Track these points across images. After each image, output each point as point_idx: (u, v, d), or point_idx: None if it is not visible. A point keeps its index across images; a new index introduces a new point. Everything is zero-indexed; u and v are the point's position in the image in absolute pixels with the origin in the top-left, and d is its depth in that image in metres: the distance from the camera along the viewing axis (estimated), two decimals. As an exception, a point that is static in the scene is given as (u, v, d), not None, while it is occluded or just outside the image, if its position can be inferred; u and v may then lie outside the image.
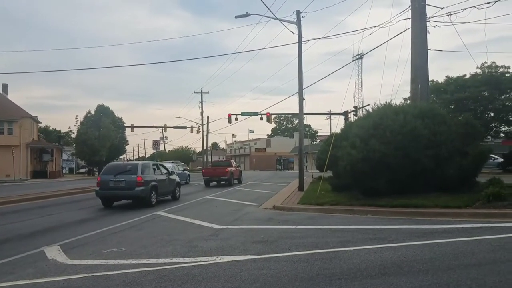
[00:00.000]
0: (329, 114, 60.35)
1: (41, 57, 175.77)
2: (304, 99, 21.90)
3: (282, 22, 21.37)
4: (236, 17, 20.69)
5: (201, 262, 6.58)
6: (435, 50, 29.50)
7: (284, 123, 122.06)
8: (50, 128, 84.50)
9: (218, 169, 30.06)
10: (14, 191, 24.46)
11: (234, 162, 36.03)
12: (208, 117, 66.03)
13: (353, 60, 41.58)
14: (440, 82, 40.30)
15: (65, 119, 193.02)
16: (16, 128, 47.13)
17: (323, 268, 5.91)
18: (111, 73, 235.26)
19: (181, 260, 6.77)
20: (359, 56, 47.59)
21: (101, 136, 56.60)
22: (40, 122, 59.66)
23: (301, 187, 20.79)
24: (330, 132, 52.10)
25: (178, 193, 19.07)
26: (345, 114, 39.32)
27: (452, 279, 5.15)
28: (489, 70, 38.31)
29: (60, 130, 78.28)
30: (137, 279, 5.70)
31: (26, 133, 48.01)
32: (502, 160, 34.26)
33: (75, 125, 61.21)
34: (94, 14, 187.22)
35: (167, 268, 6.20)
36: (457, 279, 5.15)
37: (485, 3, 15.55)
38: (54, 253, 7.65)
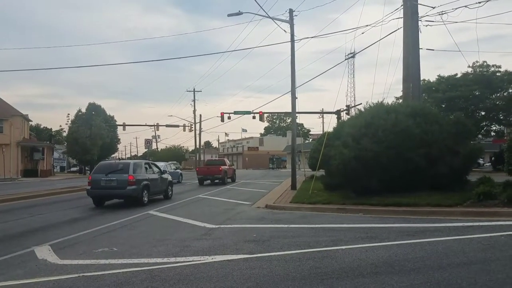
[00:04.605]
0: (322, 113, 60.47)
1: (31, 55, 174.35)
2: (296, 97, 21.91)
3: (274, 20, 21.36)
4: (229, 15, 20.62)
5: (193, 261, 6.55)
6: (427, 49, 29.81)
7: (277, 121, 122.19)
8: (41, 127, 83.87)
9: (212, 168, 30.01)
10: (4, 190, 24.20)
11: (228, 161, 35.99)
12: (200, 115, 66.13)
13: (345, 59, 41.72)
14: (432, 81, 40.60)
15: (56, 117, 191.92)
16: (7, 126, 46.69)
17: (315, 267, 5.91)
18: (102, 71, 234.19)
19: (173, 259, 6.74)
20: (352, 55, 47.73)
21: (92, 135, 56.26)
22: (31, 121, 59.20)
23: (293, 186, 20.81)
24: (323, 131, 52.22)
25: (170, 192, 19.01)
26: (338, 113, 39.38)
27: (443, 278, 5.18)
28: (481, 69, 38.67)
29: (51, 129, 77.96)
30: (128, 279, 5.66)
31: (16, 131, 47.57)
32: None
33: (67, 124, 60.99)
34: (85, 12, 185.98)
35: (159, 268, 6.17)
36: (448, 278, 5.18)
37: (476, 3, 15.64)
38: (44, 253, 7.58)
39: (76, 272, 6.08)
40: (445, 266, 5.74)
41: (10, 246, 8.42)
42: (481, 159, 35.30)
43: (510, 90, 38.28)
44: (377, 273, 5.49)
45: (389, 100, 43.98)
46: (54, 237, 9.17)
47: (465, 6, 15.76)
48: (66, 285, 5.54)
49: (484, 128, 41.11)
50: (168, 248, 7.70)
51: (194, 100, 65.88)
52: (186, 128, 61.88)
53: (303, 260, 6.39)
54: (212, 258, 6.69)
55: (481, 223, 9.19)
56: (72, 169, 77.07)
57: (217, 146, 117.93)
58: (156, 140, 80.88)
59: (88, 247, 8.10)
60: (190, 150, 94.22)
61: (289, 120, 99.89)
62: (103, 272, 6.02)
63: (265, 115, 46.40)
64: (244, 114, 45.02)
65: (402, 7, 16.85)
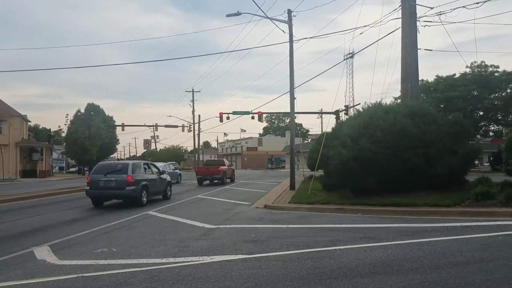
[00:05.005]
0: (321, 113, 60.51)
1: (30, 55, 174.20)
2: (295, 98, 21.94)
3: (273, 21, 21.39)
4: (228, 15, 20.65)
5: (192, 262, 6.57)
6: (425, 49, 29.67)
7: (276, 122, 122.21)
8: (40, 127, 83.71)
9: (211, 168, 30.05)
10: (3, 190, 24.17)
11: (227, 161, 36.02)
12: (199, 116, 66.17)
13: (344, 59, 41.66)
14: (430, 81, 40.65)
15: (55, 118, 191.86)
16: (5, 127, 46.64)
17: (313, 267, 5.93)
18: (101, 72, 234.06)
19: (172, 260, 6.76)
20: (350, 55, 47.72)
21: (91, 135, 56.23)
22: (30, 121, 59.11)
23: (292, 186, 20.83)
24: (322, 131, 52.20)
25: (169, 193, 19.02)
26: (336, 113, 39.44)
27: (441, 277, 5.20)
28: (479, 69, 38.74)
29: (50, 129, 77.71)
30: (127, 279, 5.67)
31: (15, 132, 47.53)
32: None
33: (65, 124, 60.91)
34: (84, 12, 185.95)
35: (158, 268, 6.18)
36: (446, 277, 5.20)
37: (474, 3, 15.70)
38: (43, 253, 7.59)
39: (75, 272, 6.09)
40: (443, 266, 5.76)
41: (9, 246, 8.43)
42: (476, 160, 35.25)
43: (509, 90, 38.35)
44: (375, 273, 5.51)
45: (388, 100, 44.03)
46: (53, 238, 9.18)
47: (463, 6, 15.82)
48: (66, 285, 5.55)
49: (483, 128, 41.20)
50: (167, 249, 7.72)
51: (193, 101, 65.93)
52: (185, 128, 61.82)
53: (302, 260, 6.41)
54: (211, 259, 6.71)
55: (479, 223, 9.22)
56: (71, 169, 77.03)
57: (216, 146, 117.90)
58: (155, 140, 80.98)
59: (87, 247, 8.11)
60: (189, 150, 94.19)
61: (288, 120, 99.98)
62: (102, 273, 6.03)
63: (264, 115, 46.43)
64: (243, 114, 45.05)
65: (400, 7, 16.88)
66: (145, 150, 59.25)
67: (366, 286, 5.00)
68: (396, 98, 33.37)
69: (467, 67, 38.98)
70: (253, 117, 43.97)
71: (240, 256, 6.81)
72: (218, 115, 45.45)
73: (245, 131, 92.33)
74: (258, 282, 5.33)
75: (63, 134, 68.49)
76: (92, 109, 62.57)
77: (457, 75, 39.72)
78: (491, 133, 43.23)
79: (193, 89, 65.76)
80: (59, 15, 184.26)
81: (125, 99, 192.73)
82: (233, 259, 6.64)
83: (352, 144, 13.59)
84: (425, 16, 17.17)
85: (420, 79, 21.06)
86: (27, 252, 7.82)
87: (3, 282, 5.76)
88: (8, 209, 15.63)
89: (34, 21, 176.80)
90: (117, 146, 77.49)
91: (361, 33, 27.59)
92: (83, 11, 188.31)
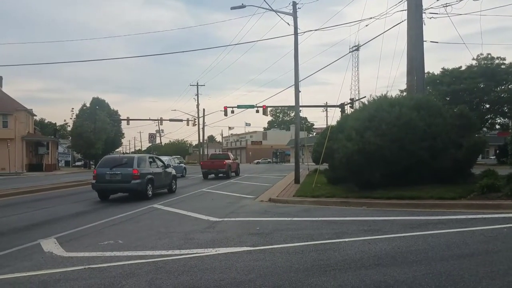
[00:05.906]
0: (326, 106, 60.21)
1: (35, 50, 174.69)
2: (300, 91, 21.87)
3: (278, 13, 21.30)
4: (232, 8, 20.59)
5: (197, 254, 6.62)
6: (431, 41, 29.50)
7: (281, 115, 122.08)
8: (46, 121, 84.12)
9: (216, 162, 30.13)
10: (10, 184, 24.36)
11: (232, 155, 36.10)
12: (204, 110, 66.02)
13: (349, 52, 41.41)
14: (436, 73, 40.40)
15: (61, 112, 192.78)
16: (11, 121, 46.86)
17: (317, 259, 5.96)
18: (105, 66, 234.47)
19: (177, 252, 6.81)
20: (356, 47, 47.45)
21: (96, 129, 56.38)
22: (35, 115, 59.34)
23: (297, 180, 20.84)
24: (327, 124, 52.06)
25: (174, 186, 19.10)
26: (342, 106, 39.32)
27: (445, 269, 5.21)
28: (485, 61, 38.44)
29: (55, 123, 78.10)
30: (134, 270, 5.73)
31: (21, 126, 47.74)
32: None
33: (71, 118, 61.02)
34: (87, 6, 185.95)
35: (164, 260, 6.24)
36: (450, 269, 5.21)
37: (480, -5, 15.58)
38: (50, 245, 7.66)
39: (82, 264, 6.16)
40: (448, 257, 5.77)
41: (16, 239, 8.52)
42: (481, 153, 35.05)
43: (515, 83, 38.09)
44: (380, 265, 5.53)
45: (393, 93, 43.76)
46: (60, 230, 9.27)
47: (469, -2, 15.71)
48: (72, 277, 5.61)
49: (489, 121, 40.96)
50: (173, 241, 7.78)
51: (197, 94, 65.85)
52: (190, 122, 61.81)
53: (306, 252, 6.44)
54: (216, 251, 6.76)
55: (484, 216, 9.20)
56: (77, 163, 77.43)
57: (221, 140, 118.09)
58: (160, 134, 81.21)
59: (93, 239, 8.19)
60: (194, 144, 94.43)
61: (292, 114, 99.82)
62: (108, 264, 6.09)
63: (269, 109, 46.42)
64: (248, 108, 45.01)
65: (406, -1, 16.76)
66: (150, 144, 59.47)
67: (371, 277, 5.02)
68: (401, 91, 33.20)
69: (473, 59, 38.76)
70: (257, 111, 43.94)
71: (245, 248, 6.85)
72: (223, 109, 45.40)
73: (249, 124, 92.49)
74: (262, 273, 5.37)
75: (69, 128, 68.73)
76: (97, 103, 62.66)
77: (463, 68, 39.45)
78: (497, 126, 42.97)
79: (197, 83, 65.69)
80: (60, 12, 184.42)
81: (129, 93, 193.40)
82: (238, 251, 6.68)
83: (357, 137, 13.56)
84: (431, 8, 17.29)
85: (426, 71, 20.99)
86: (34, 244, 7.91)
87: (11, 274, 5.83)
88: (15, 203, 15.76)
89: (37, 16, 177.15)
90: (122, 140, 77.71)
91: (366, 25, 27.59)
92: (83, 6, 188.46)
